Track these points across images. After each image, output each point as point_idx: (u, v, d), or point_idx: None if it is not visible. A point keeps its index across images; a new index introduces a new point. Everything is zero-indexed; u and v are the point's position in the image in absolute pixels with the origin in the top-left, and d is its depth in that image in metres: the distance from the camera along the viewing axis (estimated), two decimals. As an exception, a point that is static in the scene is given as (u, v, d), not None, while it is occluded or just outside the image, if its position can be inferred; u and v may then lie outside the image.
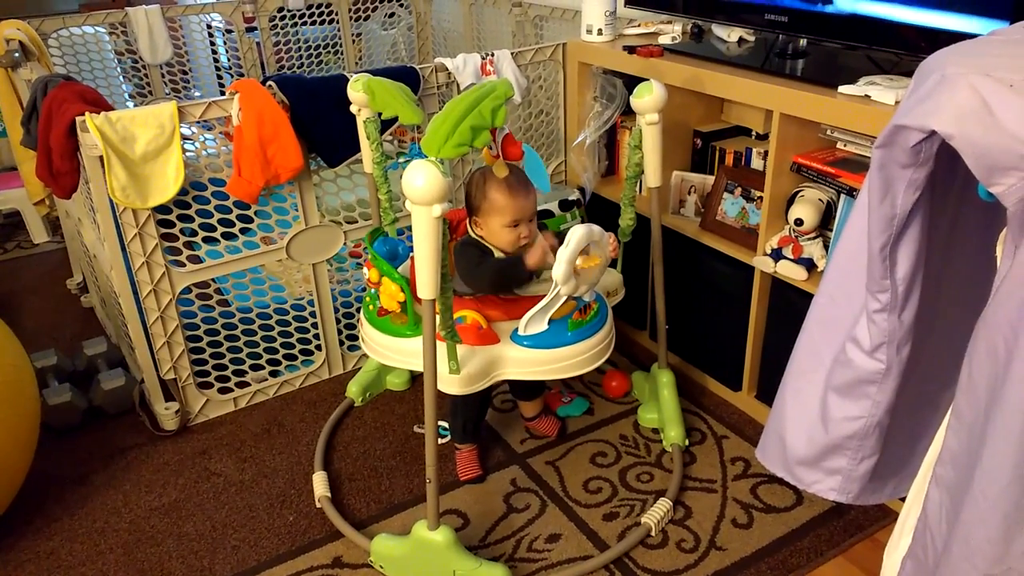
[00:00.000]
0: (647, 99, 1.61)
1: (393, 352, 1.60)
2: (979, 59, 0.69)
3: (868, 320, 0.88)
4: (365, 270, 1.63)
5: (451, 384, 1.50)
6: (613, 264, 1.84)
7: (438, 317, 1.43)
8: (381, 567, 1.54)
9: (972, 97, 0.66)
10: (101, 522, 1.69)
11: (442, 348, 1.47)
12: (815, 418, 0.98)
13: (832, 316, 0.95)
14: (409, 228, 1.32)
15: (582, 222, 2.14)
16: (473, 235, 1.60)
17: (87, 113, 1.62)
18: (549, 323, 1.52)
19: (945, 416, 0.84)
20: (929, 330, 0.92)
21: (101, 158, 1.64)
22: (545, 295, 1.49)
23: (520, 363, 1.54)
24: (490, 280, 1.57)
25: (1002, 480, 0.73)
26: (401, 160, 2.12)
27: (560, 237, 1.44)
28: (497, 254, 1.57)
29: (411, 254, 1.76)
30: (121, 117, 1.65)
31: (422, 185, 1.22)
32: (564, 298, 1.49)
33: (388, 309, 1.59)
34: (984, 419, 0.75)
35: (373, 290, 1.62)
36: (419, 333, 1.51)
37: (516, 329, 1.54)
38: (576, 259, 1.42)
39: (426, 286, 1.31)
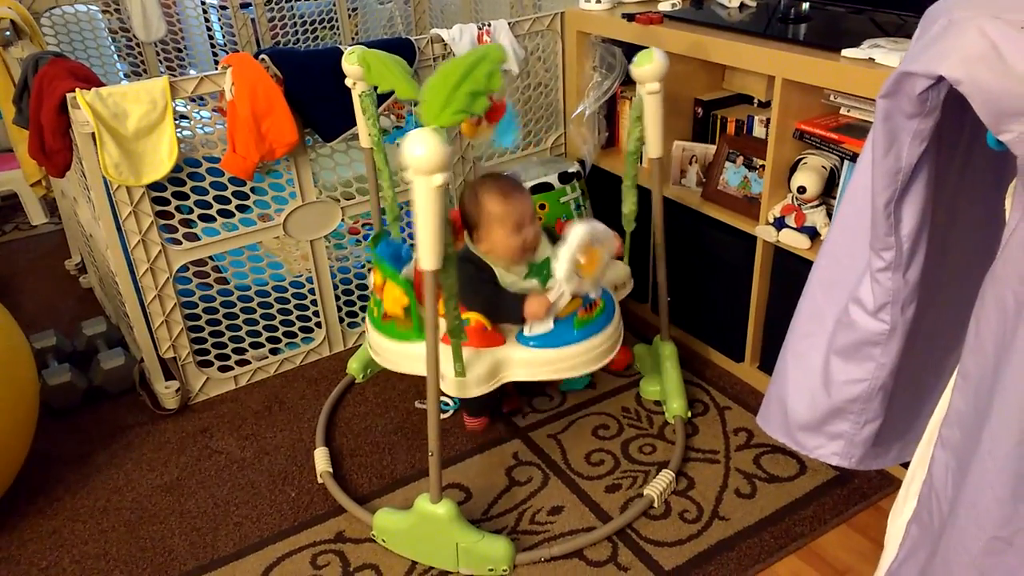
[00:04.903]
0: (647, 68, 1.58)
1: (400, 357, 1.61)
2: (988, 1, 0.66)
3: (872, 280, 0.86)
4: (370, 277, 1.62)
5: (458, 387, 1.49)
6: (619, 257, 1.82)
7: (442, 318, 1.42)
8: (384, 541, 1.54)
9: (981, 40, 0.64)
10: (103, 501, 1.69)
11: (447, 351, 1.46)
12: (817, 382, 0.96)
13: (835, 277, 0.93)
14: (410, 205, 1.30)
15: (582, 194, 2.13)
16: (472, 250, 1.58)
17: (78, 89, 1.60)
18: (555, 322, 1.51)
19: (951, 378, 0.82)
20: (934, 289, 0.90)
21: (93, 135, 1.62)
22: (549, 294, 1.48)
23: (527, 364, 1.53)
24: (485, 310, 1.54)
25: (1011, 440, 0.72)
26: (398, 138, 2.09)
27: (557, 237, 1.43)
28: (500, 273, 1.55)
29: (415, 256, 1.74)
30: (112, 93, 1.62)
31: (423, 154, 1.20)
32: (569, 297, 1.47)
33: (391, 314, 1.57)
34: (992, 378, 0.73)
35: (376, 295, 1.61)
36: (423, 338, 1.50)
37: (521, 330, 1.52)
38: (579, 256, 1.41)
39: (428, 257, 1.29)
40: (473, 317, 1.52)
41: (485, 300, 1.54)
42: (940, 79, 0.68)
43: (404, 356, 1.59)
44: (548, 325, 1.51)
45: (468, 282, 1.53)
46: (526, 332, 1.52)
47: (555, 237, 1.64)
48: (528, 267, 1.60)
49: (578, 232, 1.39)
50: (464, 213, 1.59)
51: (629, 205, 1.76)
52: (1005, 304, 0.70)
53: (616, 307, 1.64)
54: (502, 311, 1.54)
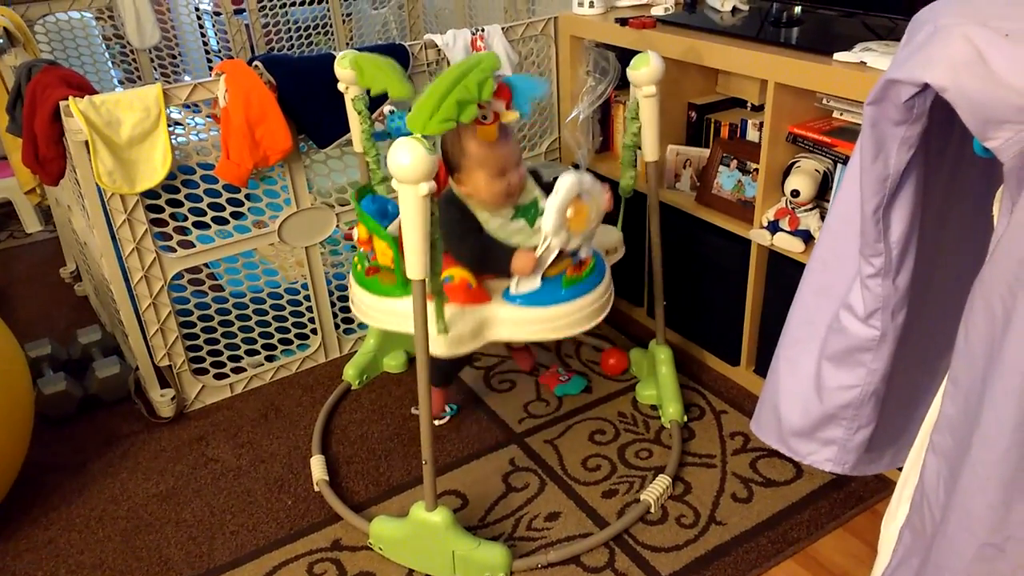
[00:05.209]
0: (644, 71, 1.58)
1: (382, 313, 1.56)
2: (974, 9, 0.66)
3: (862, 286, 0.86)
4: (355, 230, 1.59)
5: (439, 345, 1.45)
6: (614, 221, 1.77)
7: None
8: (380, 549, 1.53)
9: (966, 48, 0.64)
10: (99, 510, 1.68)
11: (429, 307, 1.41)
12: (810, 388, 0.96)
13: (826, 283, 0.93)
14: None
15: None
16: (455, 193, 1.51)
17: (71, 97, 1.59)
18: (542, 280, 1.46)
19: (943, 382, 0.82)
20: (925, 295, 0.90)
21: (87, 143, 1.61)
22: (536, 248, 1.44)
23: (512, 323, 1.48)
24: (471, 261, 1.49)
25: (1001, 445, 0.71)
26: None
27: (551, 188, 1.39)
28: (484, 218, 1.51)
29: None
30: (105, 101, 1.62)
31: (408, 163, 1.20)
32: (556, 251, 1.42)
33: (383, 264, 1.54)
34: (981, 383, 0.73)
35: (362, 250, 1.58)
36: (408, 293, 1.46)
37: (508, 288, 1.49)
38: (567, 208, 1.37)
39: (415, 266, 1.29)
40: (457, 274, 1.47)
41: (472, 250, 1.48)
42: (926, 86, 0.68)
43: (386, 312, 1.55)
44: (536, 283, 1.46)
45: (454, 229, 1.48)
46: (512, 290, 1.47)
47: (540, 178, 1.59)
48: (514, 209, 1.53)
49: (566, 183, 1.34)
50: (446, 154, 1.51)
51: (627, 180, 1.73)
52: (993, 310, 0.70)
53: (607, 268, 1.60)
54: (489, 263, 1.49)
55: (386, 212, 1.70)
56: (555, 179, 1.41)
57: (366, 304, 1.59)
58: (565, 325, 1.50)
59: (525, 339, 1.53)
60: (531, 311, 1.48)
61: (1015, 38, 0.62)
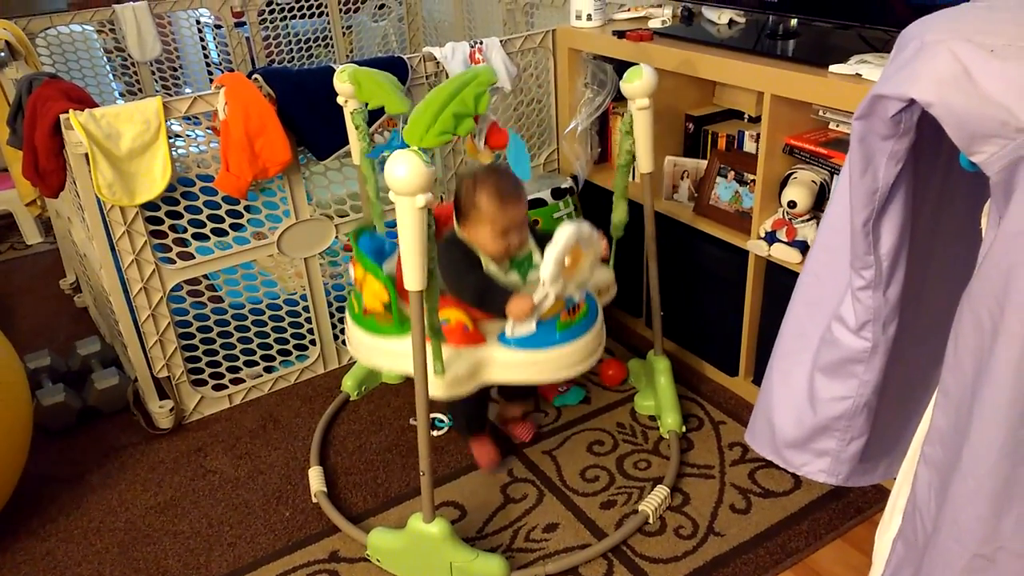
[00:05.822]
0: (637, 84, 1.59)
1: (379, 353, 1.59)
2: (960, 24, 0.67)
3: (853, 298, 0.86)
4: (351, 268, 1.61)
5: (436, 387, 1.47)
6: (605, 260, 1.81)
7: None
8: (378, 561, 1.53)
9: (952, 63, 0.65)
10: (97, 522, 1.68)
11: (427, 349, 1.44)
12: (803, 399, 0.96)
13: (817, 295, 0.93)
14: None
15: (575, 210, 2.14)
16: (459, 235, 1.56)
17: (71, 110, 1.61)
18: (537, 324, 1.50)
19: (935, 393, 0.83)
20: (917, 306, 0.91)
21: (87, 155, 1.62)
22: (533, 295, 1.47)
23: (507, 365, 1.52)
24: (471, 297, 1.52)
25: (990, 457, 0.72)
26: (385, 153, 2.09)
27: (549, 236, 1.41)
28: (484, 261, 1.54)
29: (397, 251, 1.73)
30: (105, 114, 1.63)
31: (405, 175, 1.21)
32: (553, 299, 1.46)
33: (371, 309, 1.56)
34: (971, 396, 0.73)
35: (357, 289, 1.60)
36: (404, 332, 1.48)
37: (503, 331, 1.52)
38: (564, 258, 1.40)
39: (413, 277, 1.30)
40: (453, 316, 1.50)
41: (473, 286, 1.51)
42: (912, 102, 0.69)
43: (383, 352, 1.57)
44: (531, 327, 1.49)
45: (456, 267, 1.51)
46: (508, 333, 1.50)
47: (537, 233, 1.62)
48: (510, 262, 1.57)
49: (565, 233, 1.37)
50: (457, 200, 1.55)
51: (620, 214, 1.75)
52: (982, 323, 0.71)
53: (599, 311, 1.63)
54: (488, 302, 1.51)
55: (383, 251, 1.71)
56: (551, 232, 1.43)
57: (361, 343, 1.61)
58: (559, 368, 1.53)
59: (519, 381, 1.55)
60: (526, 354, 1.51)
61: (1000, 54, 0.63)
